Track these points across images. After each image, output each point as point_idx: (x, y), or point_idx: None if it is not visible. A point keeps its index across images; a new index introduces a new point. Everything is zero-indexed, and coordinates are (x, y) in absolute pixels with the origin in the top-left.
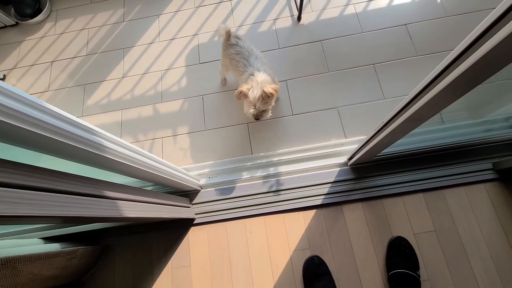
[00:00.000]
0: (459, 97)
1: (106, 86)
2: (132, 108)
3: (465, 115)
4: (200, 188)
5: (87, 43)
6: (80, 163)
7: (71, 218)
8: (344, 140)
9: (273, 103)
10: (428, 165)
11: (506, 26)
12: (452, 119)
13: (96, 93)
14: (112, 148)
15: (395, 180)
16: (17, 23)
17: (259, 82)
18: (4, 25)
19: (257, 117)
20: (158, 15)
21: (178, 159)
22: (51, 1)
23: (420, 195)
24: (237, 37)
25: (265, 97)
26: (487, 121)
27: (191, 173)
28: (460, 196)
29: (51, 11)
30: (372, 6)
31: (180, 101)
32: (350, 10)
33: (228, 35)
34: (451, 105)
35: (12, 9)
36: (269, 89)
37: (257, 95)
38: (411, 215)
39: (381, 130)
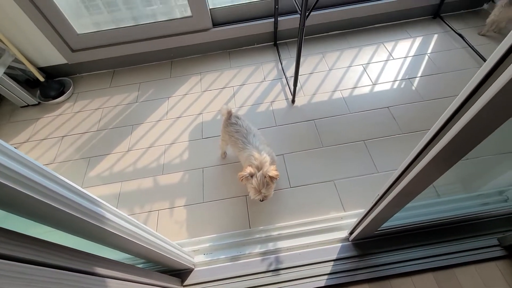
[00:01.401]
0: (445, 171)
1: (110, 159)
2: (132, 180)
3: (459, 189)
4: (193, 267)
5: (99, 120)
6: (73, 234)
7: None
8: (343, 214)
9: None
10: (432, 240)
11: (468, 111)
12: (446, 193)
13: (99, 166)
14: (109, 218)
15: (401, 258)
16: (39, 103)
17: (261, 164)
18: (27, 104)
19: (263, 199)
20: (168, 98)
21: (173, 233)
22: (74, 85)
23: (430, 274)
24: (237, 117)
25: (269, 181)
26: (481, 194)
27: (185, 249)
28: (472, 276)
29: (72, 93)
30: (357, 92)
31: (181, 173)
32: (338, 95)
33: (229, 114)
34: (443, 179)
35: (38, 91)
36: (273, 173)
37: (261, 182)
38: None
39: (377, 203)
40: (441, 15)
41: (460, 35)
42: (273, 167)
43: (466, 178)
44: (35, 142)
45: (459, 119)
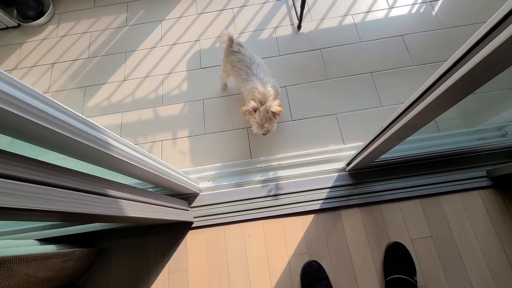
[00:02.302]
0: (452, 105)
1: (107, 88)
2: (132, 111)
3: (460, 124)
4: (199, 191)
5: (89, 46)
6: (83, 160)
7: (74, 214)
8: (342, 146)
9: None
10: (424, 171)
11: (494, 39)
12: (447, 127)
13: (96, 96)
14: (116, 146)
15: (392, 186)
16: (19, 24)
17: (264, 98)
18: (6, 27)
19: (265, 133)
20: (161, 21)
21: (177, 162)
22: (54, 5)
23: (417, 201)
24: (240, 44)
25: (272, 117)
26: (481, 129)
27: (190, 176)
28: (455, 203)
29: (54, 14)
30: (370, 17)
31: (181, 104)
32: (349, 20)
33: (231, 41)
34: (446, 113)
35: (15, 11)
36: (275, 108)
37: (264, 117)
38: (408, 221)
39: (379, 135)
40: None
41: None
42: (276, 102)
43: (468, 113)
44: (25, 69)
45: (480, 50)
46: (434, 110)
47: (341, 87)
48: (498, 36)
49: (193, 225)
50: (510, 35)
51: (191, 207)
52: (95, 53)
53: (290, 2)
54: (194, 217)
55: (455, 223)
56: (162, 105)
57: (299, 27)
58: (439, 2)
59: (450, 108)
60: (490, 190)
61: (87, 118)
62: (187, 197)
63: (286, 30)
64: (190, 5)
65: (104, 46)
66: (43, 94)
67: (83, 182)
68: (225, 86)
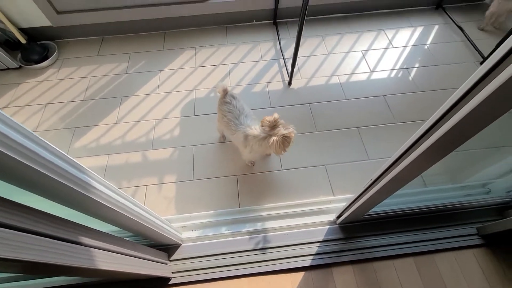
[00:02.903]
0: (436, 161)
1: (97, 130)
2: (120, 154)
3: (446, 179)
4: (181, 242)
5: (86, 89)
6: (55, 201)
7: (39, 265)
8: (332, 198)
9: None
10: (416, 227)
11: (468, 104)
12: (433, 183)
13: (85, 137)
14: (96, 187)
15: (385, 242)
16: (20, 66)
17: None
18: (6, 67)
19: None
20: (160, 71)
21: (161, 208)
22: (59, 51)
23: (411, 259)
24: (232, 96)
25: (286, 142)
26: (466, 186)
27: (173, 225)
28: (450, 262)
29: (57, 59)
30: (354, 78)
31: (171, 149)
32: (335, 80)
33: (225, 92)
34: (432, 169)
35: (19, 54)
36: (286, 133)
37: (276, 142)
38: (402, 280)
39: (369, 188)
40: (443, 6)
41: (460, 27)
42: (290, 129)
43: (453, 170)
44: (17, 108)
45: (456, 112)
46: (420, 164)
47: (329, 140)
48: (469, 102)
49: (170, 282)
50: (478, 103)
51: (170, 260)
52: (91, 96)
53: (282, 62)
54: (172, 272)
55: (451, 283)
56: (152, 149)
57: (289, 83)
58: (414, 69)
59: (434, 163)
60: (483, 249)
61: (65, 154)
62: (167, 248)
63: (278, 85)
64: (190, 59)
65: (101, 91)
66: (18, 123)
67: (55, 227)
68: (223, 138)
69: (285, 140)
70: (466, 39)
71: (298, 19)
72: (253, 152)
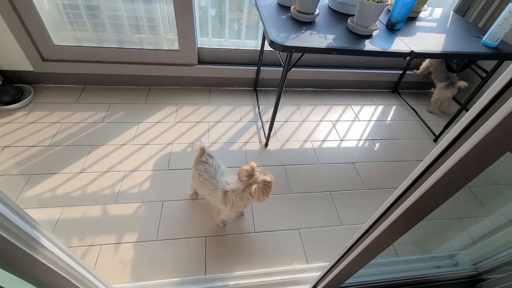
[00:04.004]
0: (406, 231)
1: (56, 179)
2: (77, 206)
3: (415, 249)
4: None
5: (54, 135)
6: None
7: None
8: (306, 266)
9: None
10: None
11: (428, 179)
12: (405, 252)
13: (40, 185)
14: (50, 249)
15: None
16: None
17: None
18: None
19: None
20: (138, 123)
21: (114, 273)
22: (35, 95)
23: None
24: (209, 155)
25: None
26: (434, 257)
27: None
28: None
29: (30, 102)
30: (326, 145)
31: (137, 204)
32: (309, 145)
33: (202, 151)
34: (402, 238)
35: None
36: (267, 178)
37: (258, 189)
38: None
39: (344, 256)
40: (398, 90)
41: (413, 109)
42: (268, 176)
43: (421, 240)
44: None
45: (421, 185)
46: (391, 234)
47: (303, 203)
48: (427, 179)
49: None
50: (436, 180)
51: None
52: (58, 142)
53: (260, 125)
54: None
55: None
56: (115, 203)
57: (266, 145)
58: (378, 141)
59: (405, 233)
60: None
61: (8, 197)
62: None
63: (255, 145)
64: (170, 114)
65: (70, 138)
66: None
67: None
68: (195, 195)
69: (266, 186)
70: (420, 119)
71: (277, 88)
72: (234, 208)
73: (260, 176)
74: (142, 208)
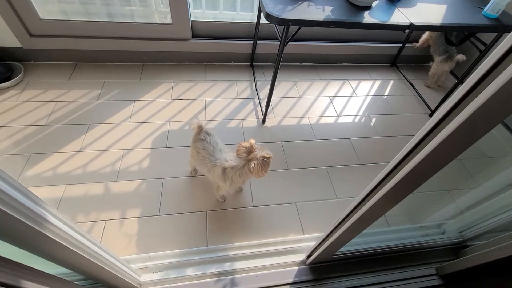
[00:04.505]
0: (397, 202)
1: (56, 158)
2: (79, 184)
3: (406, 220)
4: (138, 287)
5: (50, 114)
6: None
7: None
8: (302, 236)
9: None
10: (382, 267)
11: (421, 151)
12: (396, 223)
13: (40, 164)
14: (52, 222)
15: (352, 284)
16: None
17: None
18: None
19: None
20: (134, 101)
21: (120, 247)
22: (25, 73)
23: None
24: (207, 133)
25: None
26: (423, 226)
27: (132, 266)
28: None
29: (21, 80)
30: (323, 121)
31: (138, 181)
32: (306, 121)
33: (200, 129)
34: (393, 209)
35: None
36: (265, 154)
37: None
38: None
39: (338, 227)
40: (397, 64)
41: (411, 83)
42: (267, 152)
43: (412, 211)
44: None
45: (412, 159)
46: (383, 205)
47: (300, 178)
48: (423, 149)
49: None
50: (430, 150)
51: None
52: (55, 121)
53: (257, 101)
54: None
55: None
56: (116, 181)
57: (263, 121)
58: (375, 117)
59: (396, 204)
60: None
61: (12, 177)
62: None
63: (252, 122)
64: (166, 91)
65: (67, 116)
66: None
67: None
68: (194, 172)
69: (265, 162)
70: (417, 94)
71: (274, 64)
72: (233, 184)
73: (259, 153)
74: (143, 185)
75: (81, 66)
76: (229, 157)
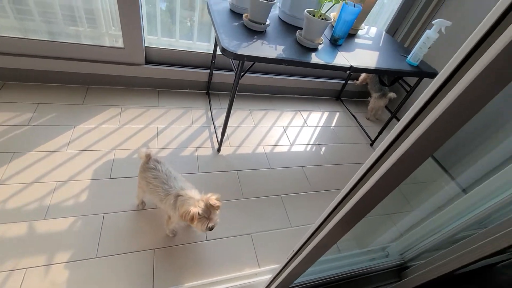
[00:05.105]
0: (349, 229)
1: None
2: None
3: (354, 245)
4: None
5: None
6: None
7: None
8: (257, 270)
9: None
10: None
11: (368, 181)
12: (346, 248)
13: None
14: None
15: None
16: None
17: (196, 198)
18: None
19: (211, 228)
20: (74, 126)
21: None
22: None
23: None
24: (157, 161)
25: (212, 209)
26: (370, 250)
27: None
28: None
29: None
30: (277, 149)
31: (72, 218)
32: (261, 150)
33: (148, 158)
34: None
35: None
36: (214, 202)
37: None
38: None
39: (292, 259)
40: (341, 98)
41: (354, 116)
42: (212, 196)
43: (359, 235)
44: None
45: (360, 188)
46: (336, 232)
47: (255, 207)
48: (370, 179)
49: None
50: (374, 182)
51: None
52: None
53: (212, 129)
54: None
55: None
56: (45, 219)
57: (219, 149)
58: (324, 146)
59: (348, 231)
60: None
61: None
62: None
63: (207, 151)
64: (114, 117)
65: None
66: None
67: None
68: (142, 205)
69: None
70: (359, 125)
71: (230, 93)
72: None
73: (214, 218)
74: (78, 222)
75: (10, 86)
76: (186, 186)
